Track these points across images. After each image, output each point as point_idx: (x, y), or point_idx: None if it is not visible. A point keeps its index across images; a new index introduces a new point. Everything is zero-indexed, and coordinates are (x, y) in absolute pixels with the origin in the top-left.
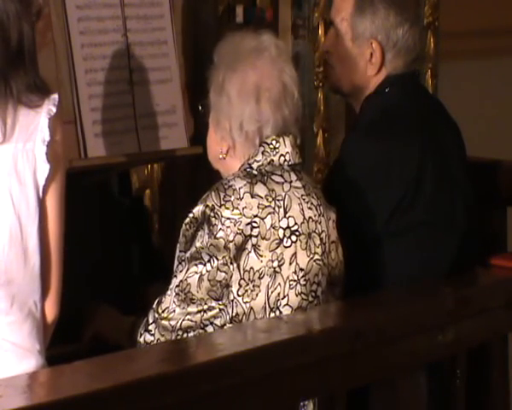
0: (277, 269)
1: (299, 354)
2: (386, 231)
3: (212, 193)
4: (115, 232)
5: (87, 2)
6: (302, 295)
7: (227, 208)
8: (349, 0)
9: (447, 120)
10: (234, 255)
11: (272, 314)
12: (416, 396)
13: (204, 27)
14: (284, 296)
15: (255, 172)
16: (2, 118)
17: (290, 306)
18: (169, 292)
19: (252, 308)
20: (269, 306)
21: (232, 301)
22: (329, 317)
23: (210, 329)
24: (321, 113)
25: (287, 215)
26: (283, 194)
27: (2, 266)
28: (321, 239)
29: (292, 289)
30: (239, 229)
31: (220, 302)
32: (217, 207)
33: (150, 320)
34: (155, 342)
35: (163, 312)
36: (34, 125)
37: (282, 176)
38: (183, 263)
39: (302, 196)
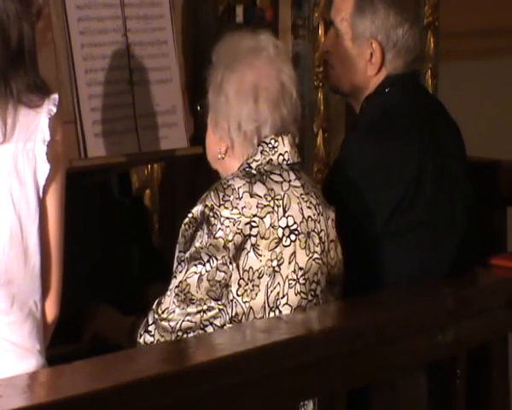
0: (277, 268)
1: (299, 354)
2: (386, 231)
3: (211, 193)
4: (115, 232)
5: (87, 2)
6: (301, 295)
7: (226, 208)
8: (349, 0)
9: (447, 120)
10: (233, 255)
11: (272, 314)
12: (416, 396)
13: (204, 27)
14: (284, 296)
15: (254, 171)
16: (3, 118)
17: (290, 305)
18: (168, 293)
19: (251, 308)
20: (268, 305)
21: (231, 300)
22: (329, 317)
23: (210, 329)
24: (321, 113)
25: (286, 214)
26: (282, 193)
27: (3, 266)
28: (320, 238)
29: (291, 288)
30: (238, 228)
31: (220, 302)
32: (216, 206)
33: (150, 321)
34: (155, 343)
35: (163, 313)
36: (34, 125)
37: (280, 175)
38: (183, 263)
39: (301, 195)
